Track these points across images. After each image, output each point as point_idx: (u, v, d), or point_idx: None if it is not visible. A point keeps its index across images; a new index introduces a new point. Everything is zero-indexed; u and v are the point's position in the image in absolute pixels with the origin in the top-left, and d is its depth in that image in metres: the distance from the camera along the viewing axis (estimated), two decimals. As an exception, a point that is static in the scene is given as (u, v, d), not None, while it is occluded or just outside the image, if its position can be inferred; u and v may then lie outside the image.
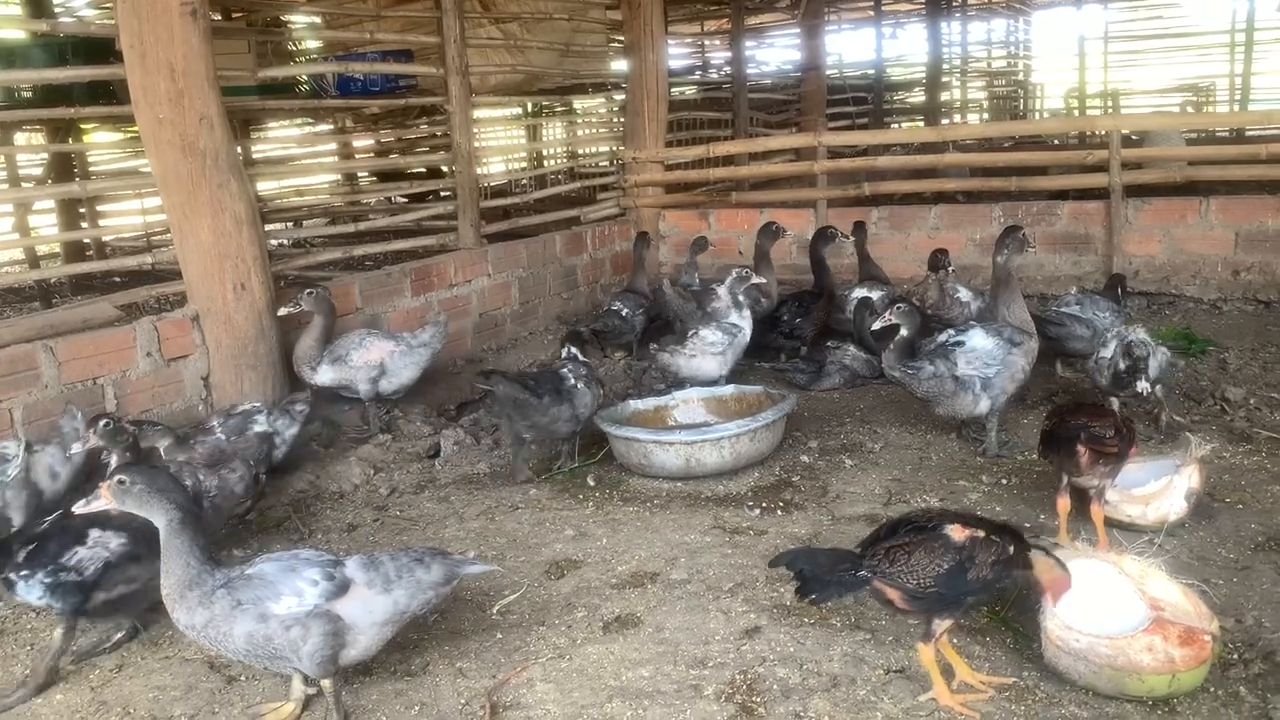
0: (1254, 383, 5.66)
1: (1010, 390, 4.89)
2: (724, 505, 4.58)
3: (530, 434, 5.01)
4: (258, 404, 4.96)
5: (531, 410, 4.87)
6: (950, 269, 6.44)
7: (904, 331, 4.85)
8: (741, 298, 5.89)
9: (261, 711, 3.12)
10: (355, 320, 6.18)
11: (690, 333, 5.74)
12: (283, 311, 5.38)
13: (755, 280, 6.01)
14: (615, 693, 3.11)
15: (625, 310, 7.03)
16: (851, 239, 7.21)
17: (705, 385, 5.64)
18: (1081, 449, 3.74)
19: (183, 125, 5.00)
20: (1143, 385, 4.72)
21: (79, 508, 3.00)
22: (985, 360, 4.82)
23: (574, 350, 5.24)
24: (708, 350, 5.66)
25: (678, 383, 5.77)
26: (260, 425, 4.80)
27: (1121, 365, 4.82)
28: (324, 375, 5.46)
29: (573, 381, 5.05)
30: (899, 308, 4.89)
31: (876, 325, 5.08)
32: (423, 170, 11.34)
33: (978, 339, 4.89)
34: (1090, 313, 5.71)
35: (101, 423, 3.98)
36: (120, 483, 2.93)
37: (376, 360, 5.52)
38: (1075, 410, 3.96)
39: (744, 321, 5.87)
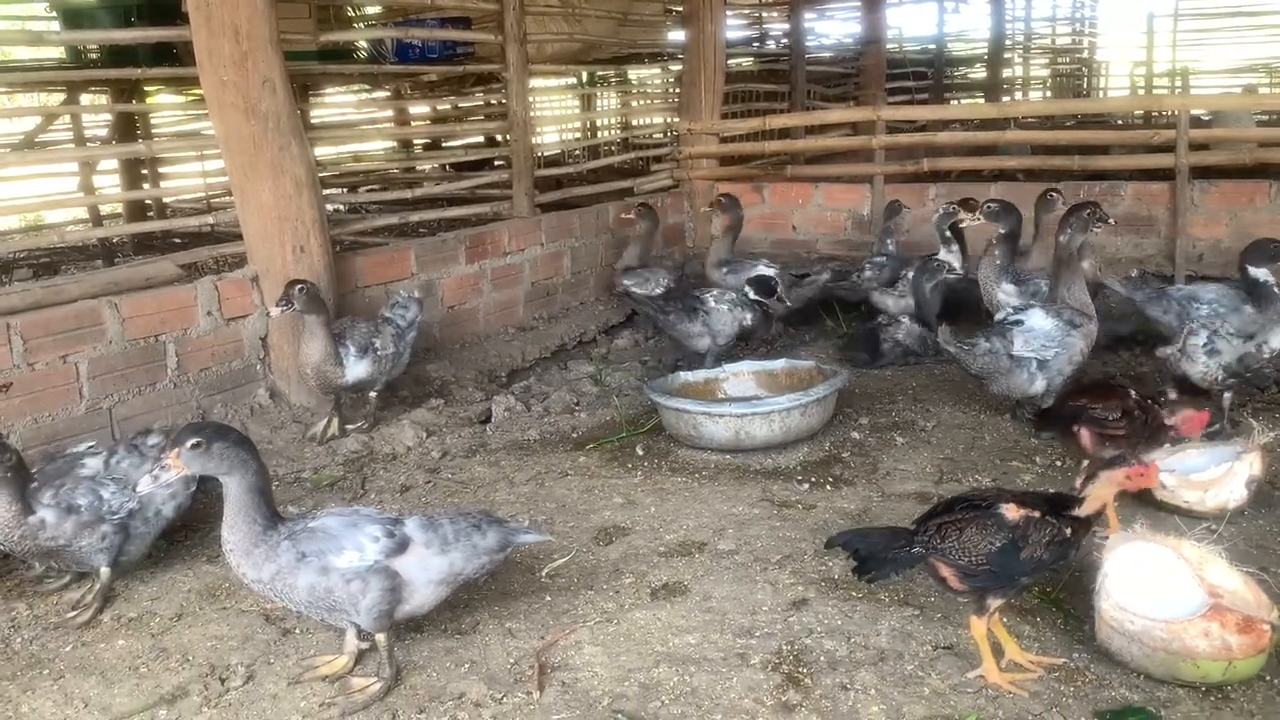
0: (1320, 371, 5.52)
1: (1067, 372, 4.82)
2: (773, 478, 4.58)
3: (673, 344, 6.05)
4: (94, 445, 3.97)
5: (661, 323, 5.91)
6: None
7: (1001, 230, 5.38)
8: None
9: (315, 663, 3.19)
10: (410, 285, 6.24)
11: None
12: (275, 311, 4.92)
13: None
14: (662, 658, 3.14)
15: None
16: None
17: None
18: (1080, 429, 3.73)
19: (246, 88, 5.05)
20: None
21: (145, 485, 2.93)
22: (1044, 341, 4.75)
23: (748, 290, 5.89)
24: None
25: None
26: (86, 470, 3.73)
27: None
28: (355, 371, 5.09)
29: (712, 304, 5.75)
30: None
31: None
32: (479, 139, 11.38)
33: (1037, 319, 4.82)
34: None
35: None
36: (196, 445, 2.86)
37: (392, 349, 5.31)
38: (1081, 391, 3.94)
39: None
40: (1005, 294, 5.68)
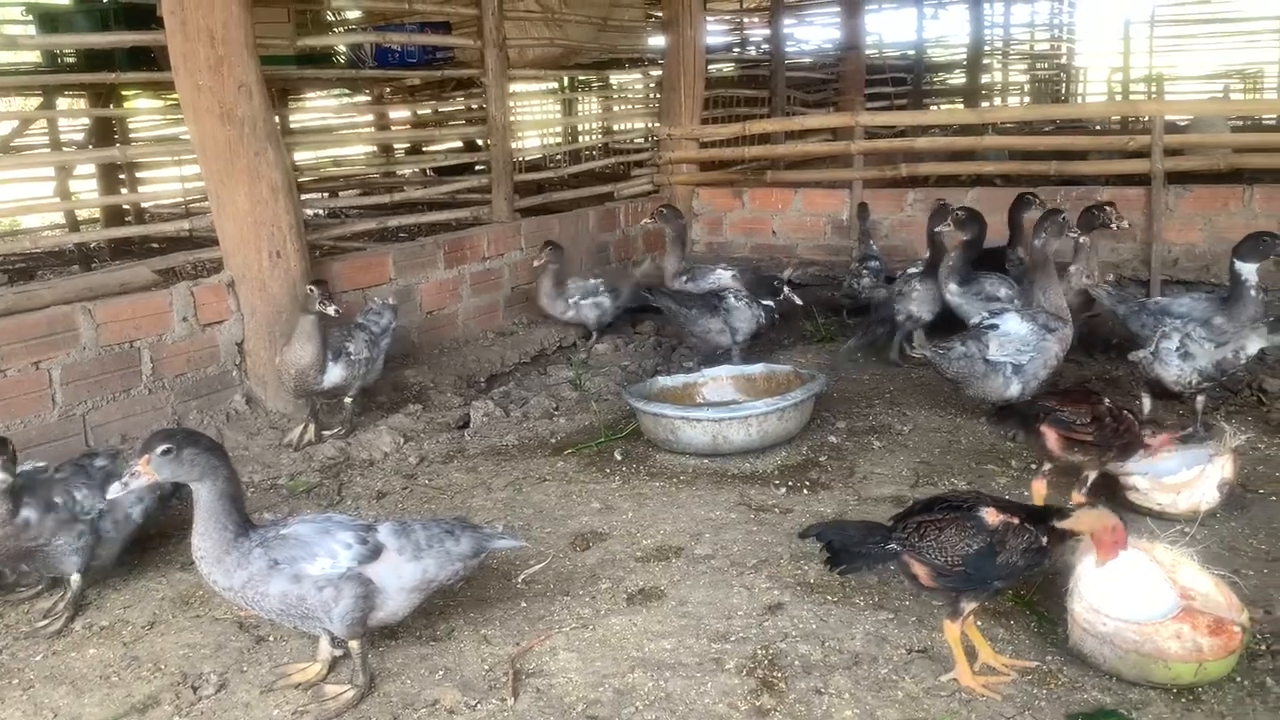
0: (1292, 374, 5.58)
1: (1043, 376, 4.85)
2: (750, 483, 4.58)
3: (694, 341, 6.16)
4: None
5: (683, 320, 6.04)
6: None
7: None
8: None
9: (289, 671, 3.17)
10: (388, 290, 6.22)
11: None
12: (331, 310, 4.91)
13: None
14: (637, 663, 3.13)
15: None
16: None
17: None
18: (1046, 430, 3.77)
19: (221, 93, 5.03)
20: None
21: (115, 491, 2.90)
22: (1019, 346, 4.78)
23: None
24: None
25: None
26: None
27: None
28: (330, 376, 5.08)
29: (732, 301, 5.97)
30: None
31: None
32: (458, 144, 11.36)
33: (1012, 323, 4.85)
34: None
35: None
36: (166, 451, 2.83)
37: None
38: (1053, 393, 3.97)
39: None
40: (950, 293, 5.98)
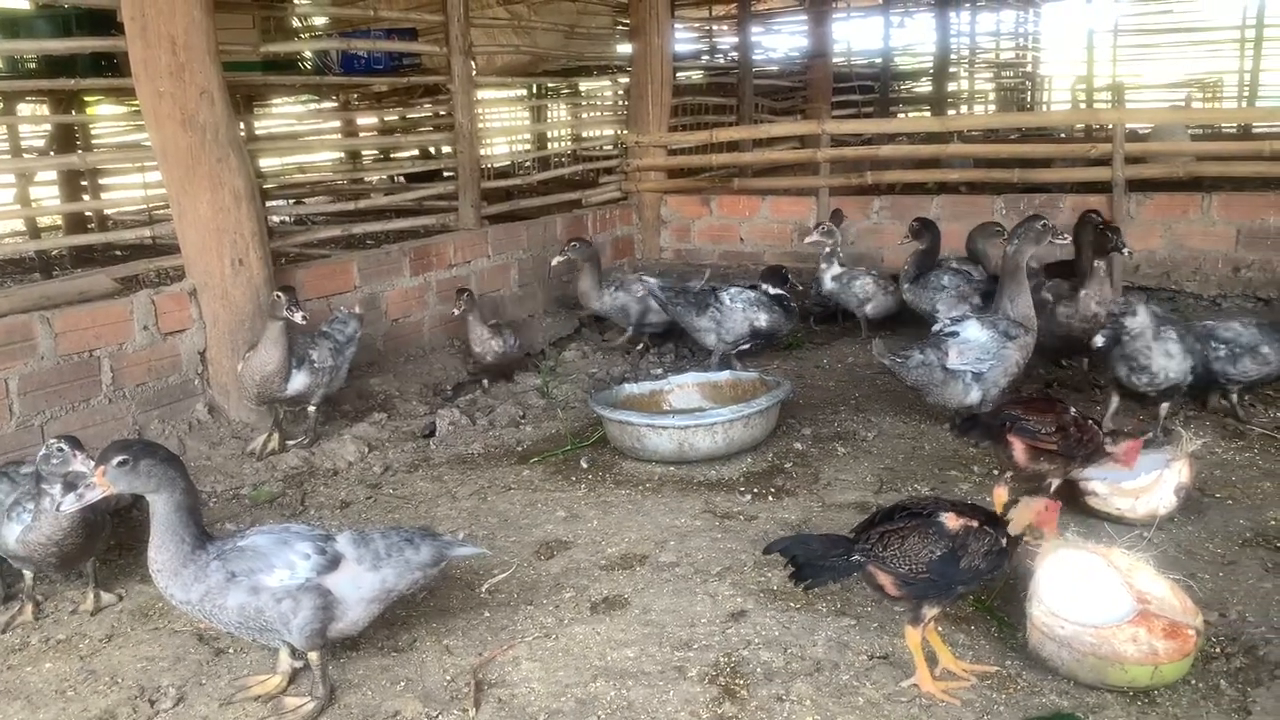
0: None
1: (1003, 384, 4.89)
2: (716, 490, 4.59)
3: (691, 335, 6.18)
4: None
5: (671, 314, 6.13)
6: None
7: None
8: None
9: (248, 683, 3.14)
10: (353, 298, 6.18)
11: None
12: (299, 318, 4.87)
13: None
14: (600, 672, 3.13)
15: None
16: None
17: None
18: (1013, 440, 3.81)
19: (183, 99, 4.99)
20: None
21: (69, 505, 2.86)
22: (979, 354, 4.82)
23: (765, 285, 6.11)
24: None
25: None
26: None
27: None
28: (294, 384, 5.05)
29: (726, 301, 5.93)
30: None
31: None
32: (430, 150, 11.33)
33: (972, 331, 4.89)
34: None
35: None
36: (122, 463, 2.80)
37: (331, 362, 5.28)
38: (1018, 402, 4.01)
39: None
40: (904, 291, 6.49)
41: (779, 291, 6.20)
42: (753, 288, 6.22)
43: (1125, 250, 5.60)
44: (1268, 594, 3.44)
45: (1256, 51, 17.84)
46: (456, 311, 6.09)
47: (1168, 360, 4.66)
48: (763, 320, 6.06)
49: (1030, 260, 5.12)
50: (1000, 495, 3.93)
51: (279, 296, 4.87)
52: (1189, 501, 4.03)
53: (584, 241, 6.90)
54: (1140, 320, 4.66)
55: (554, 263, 6.93)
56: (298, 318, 4.85)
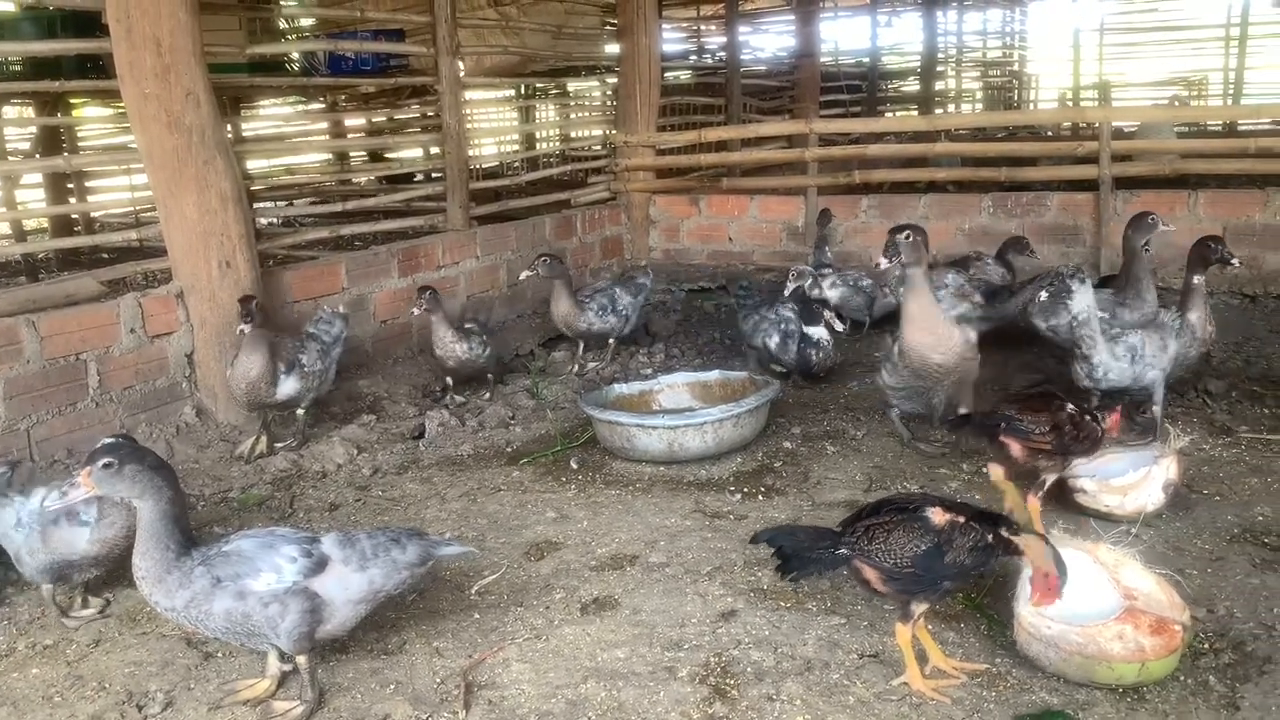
0: (1236, 376, 5.70)
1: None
2: (705, 490, 4.59)
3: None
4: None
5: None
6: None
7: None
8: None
9: (237, 688, 3.13)
10: (341, 300, 6.17)
11: None
12: (247, 328, 4.86)
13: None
14: (590, 673, 3.12)
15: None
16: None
17: None
18: (1008, 441, 3.80)
19: (168, 101, 4.97)
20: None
21: (54, 501, 2.86)
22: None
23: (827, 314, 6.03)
24: None
25: None
26: None
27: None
28: (284, 388, 5.06)
29: (762, 312, 6.16)
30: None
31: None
32: (418, 152, 11.31)
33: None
34: None
35: None
36: (107, 465, 2.79)
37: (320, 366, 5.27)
38: (1014, 399, 4.01)
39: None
40: (898, 293, 6.14)
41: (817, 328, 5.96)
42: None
43: (1235, 261, 5.06)
44: (1255, 590, 3.45)
45: (1241, 49, 17.91)
46: (417, 311, 5.76)
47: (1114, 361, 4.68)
48: (795, 346, 6.00)
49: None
50: (997, 472, 3.93)
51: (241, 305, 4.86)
52: (1177, 498, 4.04)
53: (553, 257, 6.55)
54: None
55: (522, 276, 6.73)
56: (243, 328, 4.83)
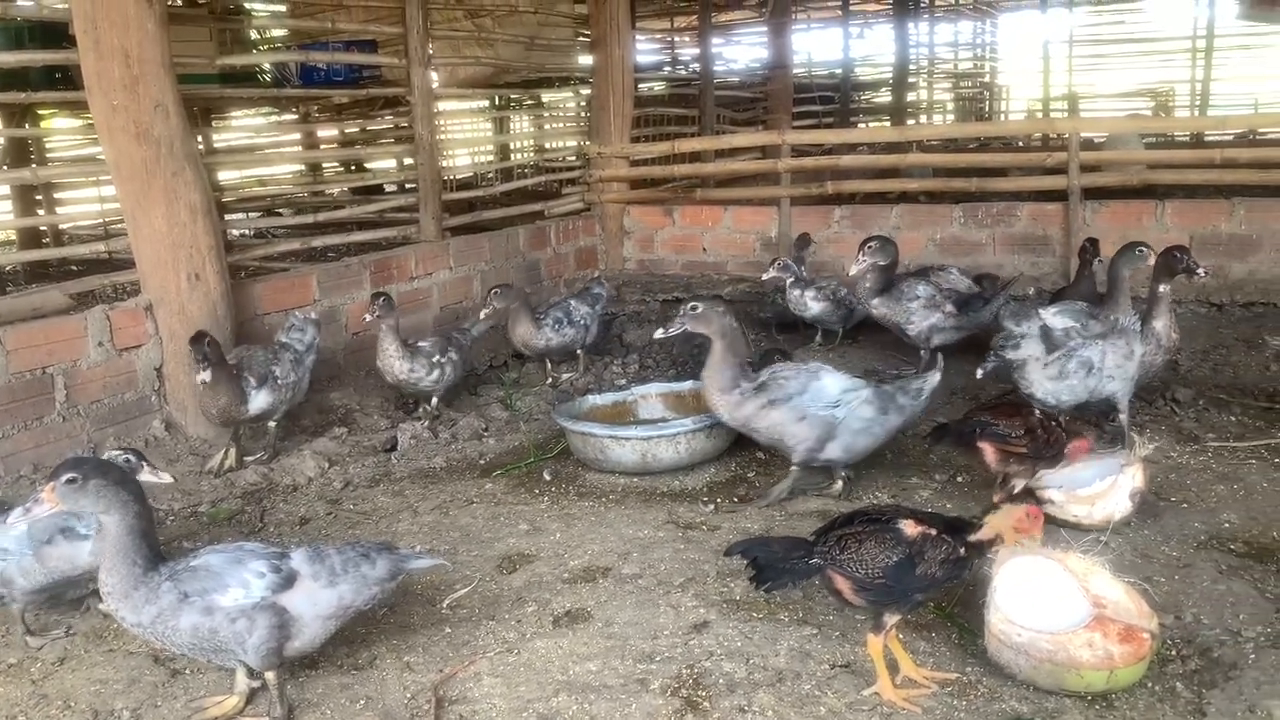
0: (1203, 384, 5.76)
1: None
2: (679, 501, 4.59)
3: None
4: None
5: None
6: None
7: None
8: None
9: (205, 705, 3.10)
10: (314, 311, 6.12)
11: None
12: (206, 376, 4.77)
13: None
14: (562, 687, 3.11)
15: None
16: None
17: None
18: (984, 445, 3.84)
19: (137, 112, 4.93)
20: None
21: (18, 517, 2.82)
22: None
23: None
24: None
25: None
26: None
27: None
28: (256, 403, 5.00)
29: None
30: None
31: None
32: (390, 163, 11.25)
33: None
34: None
35: None
36: (71, 481, 2.75)
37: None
38: (985, 407, 4.05)
39: None
40: (872, 306, 6.28)
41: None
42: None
43: (1200, 271, 4.97)
44: (1222, 596, 3.49)
45: (1207, 61, 18.15)
46: (369, 317, 5.48)
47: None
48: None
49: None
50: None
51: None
52: (1144, 506, 4.08)
53: (505, 287, 6.33)
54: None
55: (482, 317, 6.19)
56: (201, 379, 4.75)
